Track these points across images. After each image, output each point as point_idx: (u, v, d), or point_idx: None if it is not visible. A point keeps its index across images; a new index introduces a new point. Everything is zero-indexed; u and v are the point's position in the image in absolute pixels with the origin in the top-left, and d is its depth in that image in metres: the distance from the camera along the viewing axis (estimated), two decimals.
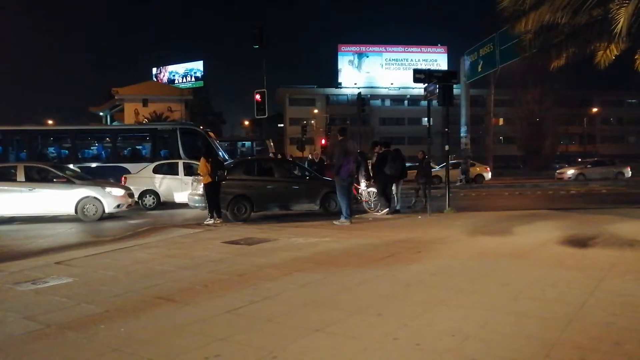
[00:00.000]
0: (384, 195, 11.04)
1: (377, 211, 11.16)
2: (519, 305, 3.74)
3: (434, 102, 11.45)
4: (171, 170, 15.47)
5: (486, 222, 8.94)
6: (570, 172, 29.50)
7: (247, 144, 28.92)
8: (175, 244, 7.47)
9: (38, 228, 10.76)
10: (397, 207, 11.51)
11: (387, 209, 10.80)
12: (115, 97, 54.93)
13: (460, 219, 9.63)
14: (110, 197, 12.03)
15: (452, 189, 11.39)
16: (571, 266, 5.04)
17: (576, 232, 7.26)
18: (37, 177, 12.16)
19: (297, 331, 3.27)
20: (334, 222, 9.34)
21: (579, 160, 39.01)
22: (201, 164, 10.22)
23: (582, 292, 3.99)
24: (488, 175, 28.48)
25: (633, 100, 69.77)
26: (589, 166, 29.95)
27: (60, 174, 12.25)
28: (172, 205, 15.07)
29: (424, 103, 12.92)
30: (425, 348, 2.91)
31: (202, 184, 10.35)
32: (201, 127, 20.47)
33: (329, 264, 5.48)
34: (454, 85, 11.44)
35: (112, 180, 14.39)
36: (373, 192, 11.82)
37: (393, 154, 11.24)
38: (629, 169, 29.25)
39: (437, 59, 64.64)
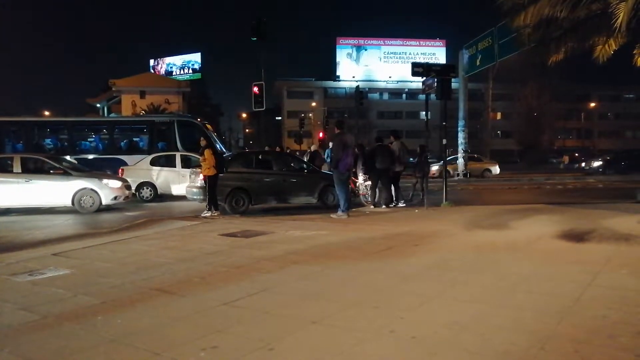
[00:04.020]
0: (387, 190, 11.01)
1: (381, 205, 11.11)
2: (515, 298, 3.76)
3: (432, 96, 11.42)
4: (168, 162, 15.44)
5: (483, 216, 8.97)
6: (436, 167, 26.47)
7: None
8: (172, 236, 7.47)
9: (35, 219, 10.74)
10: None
11: (404, 202, 10.73)
12: (113, 89, 54.64)
13: (457, 212, 9.65)
14: (108, 189, 11.99)
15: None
16: (567, 260, 5.07)
17: (572, 226, 7.29)
18: (34, 168, 12.12)
19: (294, 323, 3.28)
20: (332, 215, 9.35)
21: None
22: (207, 156, 10.04)
23: (578, 285, 4.02)
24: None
25: (631, 95, 69.86)
26: (455, 163, 27.63)
27: (57, 165, 12.20)
28: (169, 197, 15.06)
29: (422, 97, 12.89)
30: (421, 340, 2.92)
31: (200, 175, 10.32)
32: (198, 119, 20.34)
33: (326, 257, 5.49)
34: (452, 79, 11.41)
35: (109, 172, 14.35)
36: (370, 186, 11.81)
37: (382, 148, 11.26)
38: (497, 167, 27.71)
39: (436, 53, 64.55)
